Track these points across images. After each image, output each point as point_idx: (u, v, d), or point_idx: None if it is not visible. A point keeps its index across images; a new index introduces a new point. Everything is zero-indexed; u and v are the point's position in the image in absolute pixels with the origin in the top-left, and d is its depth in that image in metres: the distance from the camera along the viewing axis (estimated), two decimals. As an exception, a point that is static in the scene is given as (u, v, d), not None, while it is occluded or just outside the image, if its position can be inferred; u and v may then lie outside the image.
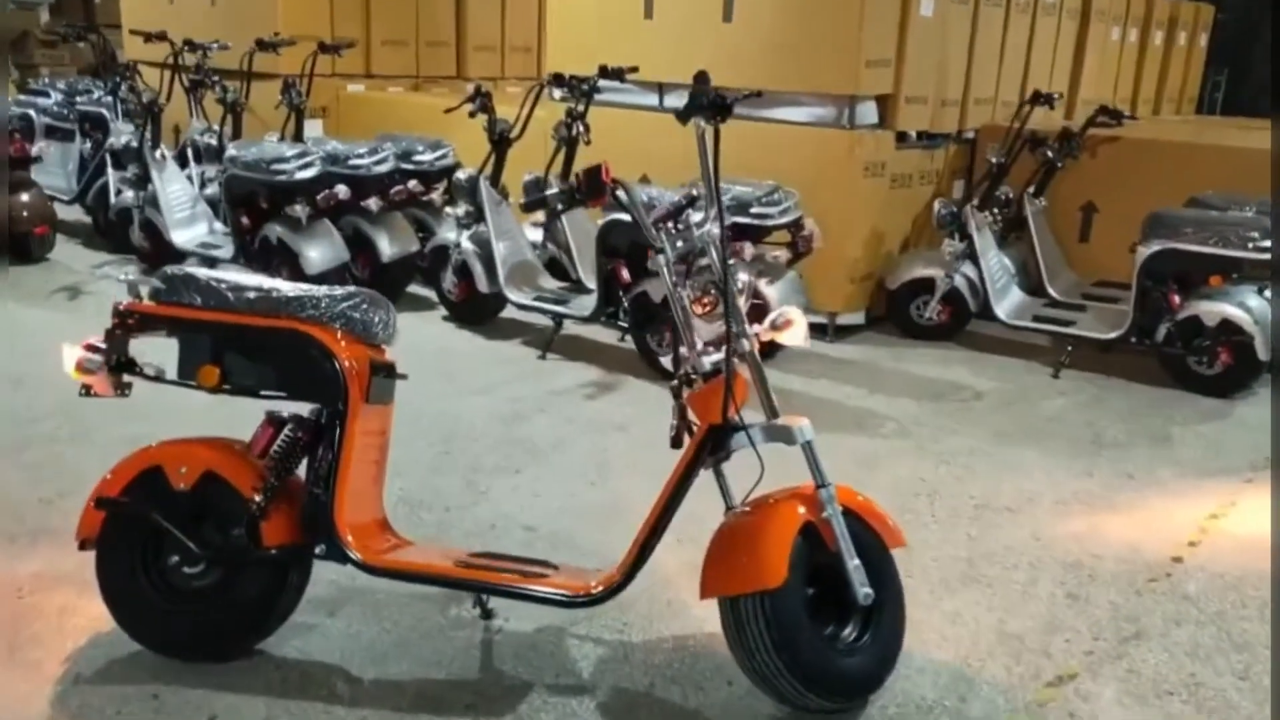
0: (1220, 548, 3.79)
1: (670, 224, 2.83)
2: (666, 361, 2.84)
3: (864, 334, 6.39)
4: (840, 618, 2.74)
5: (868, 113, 6.07)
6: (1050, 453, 4.63)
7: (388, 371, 2.88)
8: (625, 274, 5.29)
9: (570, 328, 5.95)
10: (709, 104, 2.67)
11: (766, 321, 2.81)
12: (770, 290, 5.45)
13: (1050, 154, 5.91)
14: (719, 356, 2.73)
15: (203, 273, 2.84)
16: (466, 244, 5.97)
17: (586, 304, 5.60)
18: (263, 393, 2.83)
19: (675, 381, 2.82)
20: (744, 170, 5.43)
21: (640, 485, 4.12)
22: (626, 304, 5.31)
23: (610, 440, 4.56)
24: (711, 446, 2.72)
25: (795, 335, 2.80)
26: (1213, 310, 5.26)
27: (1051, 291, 6.23)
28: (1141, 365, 5.69)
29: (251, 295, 2.77)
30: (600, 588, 2.69)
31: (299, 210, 6.00)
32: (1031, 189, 6.23)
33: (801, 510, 2.67)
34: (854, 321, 6.36)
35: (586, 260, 6.08)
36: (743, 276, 2.84)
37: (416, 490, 3.96)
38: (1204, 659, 3.09)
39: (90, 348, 2.83)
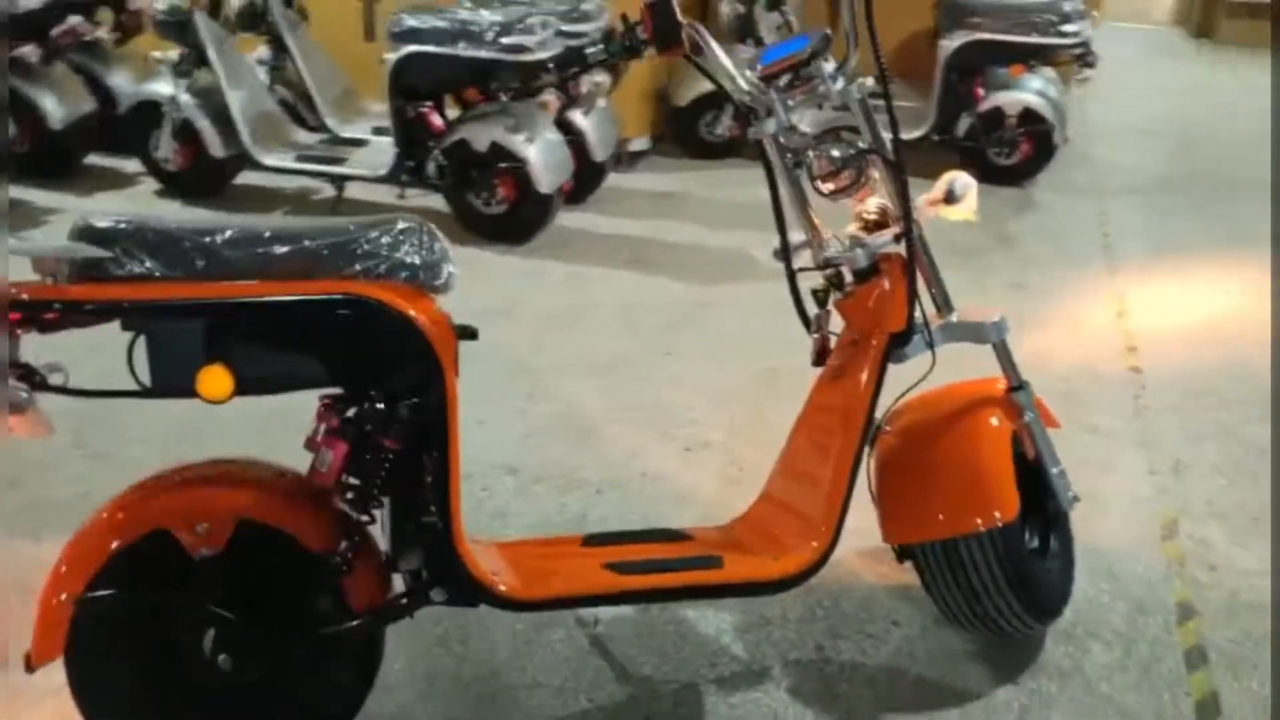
0: (1156, 349, 3.85)
1: (785, 79, 2.18)
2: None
3: (651, 159, 5.85)
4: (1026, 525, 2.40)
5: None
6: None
7: (470, 332, 2.04)
8: (437, 120, 4.35)
9: (328, 190, 4.93)
10: None
11: (938, 190, 2.27)
12: (585, 123, 4.78)
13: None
14: (880, 242, 2.20)
15: (161, 223, 1.79)
16: (186, 98, 4.67)
17: (375, 159, 4.59)
18: (302, 390, 1.90)
19: (821, 286, 2.26)
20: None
21: (581, 385, 3.51)
22: (440, 157, 4.39)
23: (502, 332, 3.79)
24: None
25: (969, 206, 2.30)
26: (1015, 100, 5.28)
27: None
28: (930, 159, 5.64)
29: (279, 250, 1.78)
30: (817, 552, 2.12)
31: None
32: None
33: (995, 421, 2.25)
34: (642, 147, 5.78)
35: (329, 100, 5.02)
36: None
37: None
38: (1240, 468, 3.11)
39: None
